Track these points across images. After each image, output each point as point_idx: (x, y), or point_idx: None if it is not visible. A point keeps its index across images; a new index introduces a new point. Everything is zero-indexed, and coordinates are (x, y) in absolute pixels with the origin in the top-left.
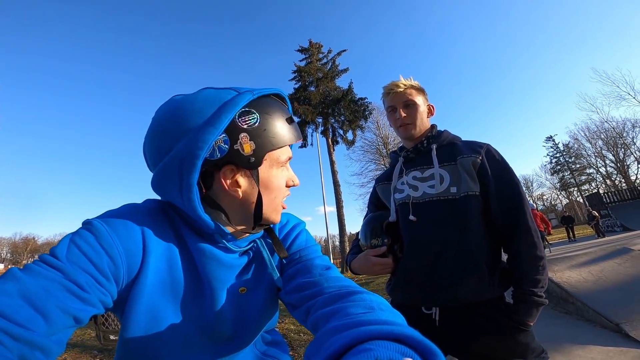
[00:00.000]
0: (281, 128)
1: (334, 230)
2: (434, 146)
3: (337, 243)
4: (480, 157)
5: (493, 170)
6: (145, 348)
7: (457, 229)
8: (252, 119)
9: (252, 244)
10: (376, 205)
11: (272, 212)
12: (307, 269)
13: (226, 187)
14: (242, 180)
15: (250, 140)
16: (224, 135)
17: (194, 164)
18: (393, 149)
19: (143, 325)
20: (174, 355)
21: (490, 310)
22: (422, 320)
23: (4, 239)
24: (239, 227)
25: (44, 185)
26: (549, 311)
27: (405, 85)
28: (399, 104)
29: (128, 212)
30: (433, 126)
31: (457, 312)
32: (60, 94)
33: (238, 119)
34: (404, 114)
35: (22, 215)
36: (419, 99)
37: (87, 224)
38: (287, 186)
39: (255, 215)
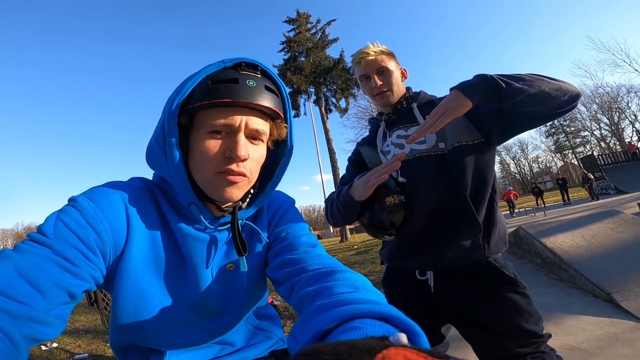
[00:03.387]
0: (202, 88)
1: None
2: (415, 104)
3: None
4: None
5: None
6: (135, 325)
7: (450, 185)
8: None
9: (229, 225)
10: (358, 166)
11: (206, 183)
12: (292, 245)
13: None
14: (181, 144)
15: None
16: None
17: (169, 122)
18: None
19: (131, 301)
20: (163, 331)
21: (485, 274)
22: (416, 286)
23: (7, 230)
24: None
25: (40, 173)
26: (543, 278)
27: (375, 52)
28: (372, 72)
29: (112, 189)
30: (408, 88)
31: (451, 276)
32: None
33: None
34: (379, 82)
35: (22, 205)
36: (392, 64)
37: (72, 200)
38: (226, 157)
39: (194, 186)
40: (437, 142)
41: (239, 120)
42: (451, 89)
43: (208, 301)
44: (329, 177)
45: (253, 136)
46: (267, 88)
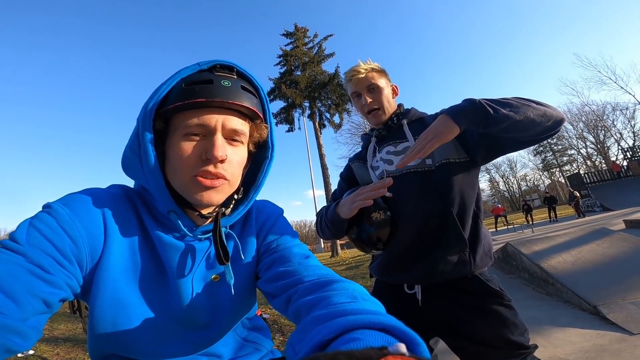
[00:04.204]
0: (175, 91)
1: None
2: (405, 121)
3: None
4: None
5: None
6: (114, 334)
7: (437, 201)
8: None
9: (210, 233)
10: (348, 183)
11: (182, 187)
12: (285, 257)
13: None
14: (166, 149)
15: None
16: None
17: (144, 127)
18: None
19: (109, 311)
20: (144, 341)
21: (472, 287)
22: (405, 300)
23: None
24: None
25: (21, 179)
26: (531, 293)
27: (365, 69)
28: (363, 89)
29: (89, 195)
30: (400, 105)
31: (438, 290)
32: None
33: None
34: (369, 99)
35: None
36: (382, 82)
37: (46, 207)
38: (203, 159)
39: (174, 193)
40: (425, 159)
41: (215, 120)
42: (441, 113)
43: (193, 312)
44: (321, 192)
45: (231, 137)
46: (243, 88)
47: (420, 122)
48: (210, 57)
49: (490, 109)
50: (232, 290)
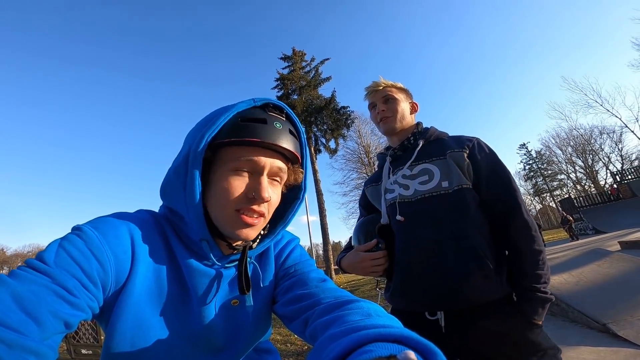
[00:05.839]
0: (232, 125)
1: (316, 239)
2: (421, 142)
3: (321, 252)
4: (470, 151)
5: (484, 163)
6: (130, 354)
7: (454, 224)
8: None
9: (236, 262)
10: (366, 208)
11: (223, 220)
12: (302, 281)
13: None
14: (211, 179)
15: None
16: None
17: (195, 155)
18: (375, 157)
19: (129, 334)
20: None
21: (499, 310)
22: (426, 327)
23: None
24: (221, 241)
25: (10, 196)
26: None
27: (385, 84)
28: (379, 100)
29: (118, 219)
30: (419, 123)
31: (463, 315)
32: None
33: None
34: (382, 108)
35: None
36: (400, 95)
37: (76, 229)
38: (249, 197)
39: (208, 222)
40: (441, 181)
41: (264, 160)
42: (461, 136)
43: (211, 335)
44: (315, 218)
45: (273, 177)
46: (290, 132)
47: (439, 142)
48: (205, 76)
49: (545, 294)
50: (251, 315)
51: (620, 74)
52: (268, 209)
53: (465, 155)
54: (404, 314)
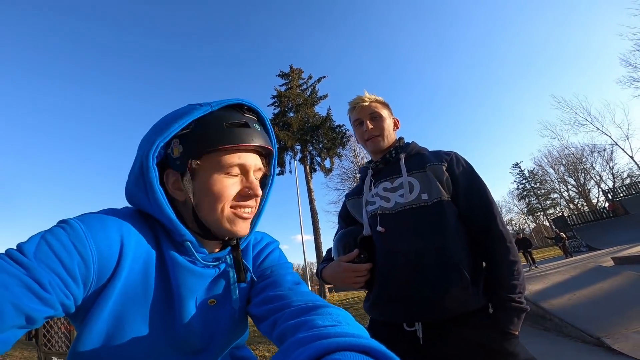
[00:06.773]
0: (217, 131)
1: (310, 259)
2: (403, 155)
3: (315, 271)
4: (448, 165)
5: (461, 176)
6: (106, 350)
7: (434, 236)
8: (188, 126)
9: (221, 260)
10: (346, 220)
11: (220, 220)
12: (276, 283)
13: (170, 189)
14: (185, 184)
15: (179, 144)
16: (170, 141)
17: (147, 163)
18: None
19: (105, 333)
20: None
21: (476, 321)
22: (404, 338)
23: None
24: (205, 239)
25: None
26: (527, 329)
27: (370, 99)
28: (366, 116)
29: (107, 214)
30: (400, 138)
31: (441, 326)
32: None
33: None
34: (370, 126)
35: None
36: (384, 112)
37: (62, 222)
38: (243, 195)
39: (197, 221)
40: (421, 193)
41: (251, 161)
42: (440, 151)
43: (190, 336)
44: (309, 237)
45: (257, 173)
46: (264, 129)
47: (418, 157)
48: (198, 85)
49: (520, 304)
50: (228, 315)
51: (609, 91)
52: (257, 203)
53: (444, 168)
54: (382, 324)
